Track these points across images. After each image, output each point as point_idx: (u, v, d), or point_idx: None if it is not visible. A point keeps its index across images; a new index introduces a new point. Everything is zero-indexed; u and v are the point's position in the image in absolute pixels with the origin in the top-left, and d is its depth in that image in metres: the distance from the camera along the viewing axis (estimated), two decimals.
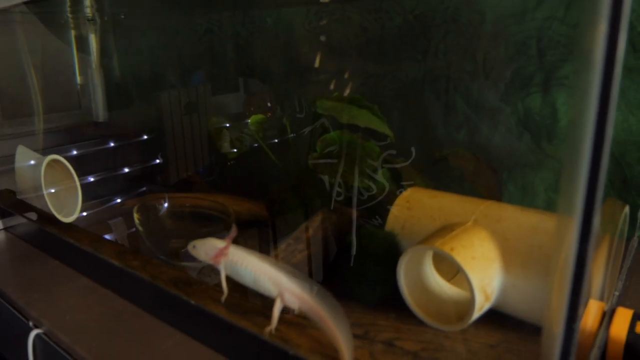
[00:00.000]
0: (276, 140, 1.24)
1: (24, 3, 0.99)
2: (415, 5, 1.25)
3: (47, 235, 1.08)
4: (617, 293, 0.85)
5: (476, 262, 0.65)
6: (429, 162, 1.09)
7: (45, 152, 1.38)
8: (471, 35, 1.19)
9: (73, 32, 1.35)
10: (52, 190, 1.16)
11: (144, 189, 1.51)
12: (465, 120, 1.23)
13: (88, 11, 1.15)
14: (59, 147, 1.38)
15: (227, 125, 1.52)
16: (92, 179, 1.40)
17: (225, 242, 0.73)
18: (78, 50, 1.36)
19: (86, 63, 1.31)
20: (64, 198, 1.16)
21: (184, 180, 1.23)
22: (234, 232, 0.74)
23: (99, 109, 1.31)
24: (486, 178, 0.96)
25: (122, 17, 1.32)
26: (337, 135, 0.98)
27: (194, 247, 0.76)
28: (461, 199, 0.77)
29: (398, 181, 0.94)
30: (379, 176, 0.94)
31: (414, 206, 0.79)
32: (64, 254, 1.05)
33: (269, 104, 1.57)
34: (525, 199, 1.12)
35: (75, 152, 1.40)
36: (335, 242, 0.80)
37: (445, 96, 1.25)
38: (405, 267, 0.71)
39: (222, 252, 0.72)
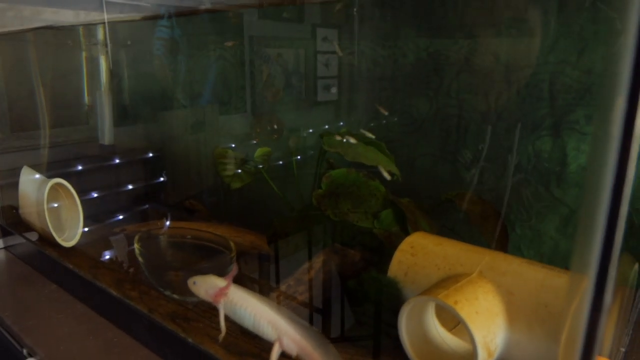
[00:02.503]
0: (281, 162, 1.25)
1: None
2: (429, 43, 1.25)
3: (47, 258, 1.07)
4: (623, 349, 0.83)
5: (480, 316, 0.64)
6: (436, 202, 1.08)
7: (49, 166, 1.38)
8: (483, 75, 1.19)
9: (84, 54, 1.36)
10: (55, 208, 1.15)
11: (147, 206, 1.51)
12: (475, 160, 1.22)
13: (100, 37, 1.16)
14: (63, 162, 1.38)
15: (233, 145, 1.53)
16: (95, 195, 1.40)
17: (225, 281, 0.72)
18: (88, 71, 1.37)
19: (95, 85, 1.32)
20: (66, 221, 1.15)
21: (185, 208, 1.23)
22: (234, 270, 0.73)
23: (105, 132, 1.31)
24: (492, 222, 0.95)
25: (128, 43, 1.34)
26: (342, 173, 0.97)
27: (194, 283, 0.75)
28: (467, 247, 0.76)
29: (402, 222, 0.93)
30: (383, 217, 0.93)
31: (418, 252, 0.77)
32: (62, 278, 1.04)
33: (275, 127, 1.57)
34: (532, 243, 1.11)
35: (80, 168, 1.40)
36: (337, 286, 0.78)
37: (455, 135, 1.25)
38: (406, 316, 0.69)
39: (222, 292, 0.71)
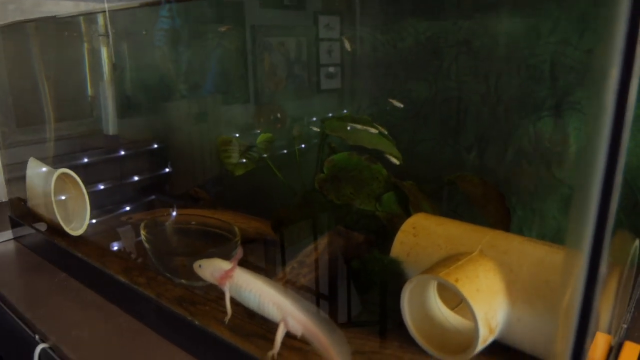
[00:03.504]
0: (285, 151, 1.26)
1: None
2: (427, 27, 1.25)
3: (56, 247, 1.09)
4: (625, 325, 0.84)
5: (481, 294, 0.65)
6: (438, 185, 1.08)
7: (55, 159, 1.40)
8: (483, 57, 1.19)
9: (86, 45, 1.37)
10: (62, 199, 1.17)
11: (153, 197, 1.52)
12: (476, 142, 1.23)
13: (101, 28, 1.17)
14: (69, 155, 1.40)
15: (236, 135, 1.53)
16: (102, 187, 1.42)
17: (231, 263, 0.73)
18: (90, 63, 1.38)
19: (98, 76, 1.33)
20: (73, 210, 1.17)
21: (190, 196, 1.24)
22: (239, 253, 0.74)
23: (109, 123, 1.33)
24: (494, 203, 0.96)
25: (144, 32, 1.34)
26: (344, 157, 0.98)
27: (200, 266, 0.76)
28: (468, 227, 0.77)
29: (405, 205, 0.94)
30: (385, 200, 0.94)
31: (420, 233, 0.78)
32: (71, 267, 1.05)
33: (279, 116, 1.57)
34: (534, 224, 1.11)
35: (85, 160, 1.41)
36: (341, 266, 0.80)
37: (456, 117, 1.25)
38: (409, 295, 0.71)
39: (227, 274, 0.72)
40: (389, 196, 0.93)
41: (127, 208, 1.43)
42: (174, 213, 1.05)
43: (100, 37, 1.27)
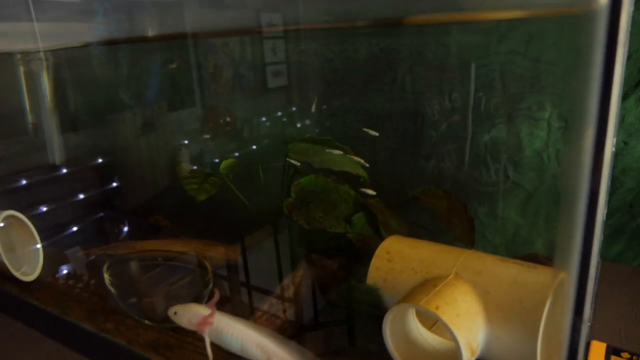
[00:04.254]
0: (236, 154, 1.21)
1: None
2: (380, 39, 1.26)
3: (6, 295, 1.01)
4: (589, 324, 0.88)
5: (461, 319, 0.66)
6: (401, 198, 1.10)
7: None
8: (436, 67, 1.22)
9: (22, 69, 1.28)
10: (8, 242, 1.09)
11: (101, 214, 1.46)
12: (434, 151, 1.25)
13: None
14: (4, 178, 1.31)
15: (186, 142, 1.50)
16: (44, 209, 1.34)
17: (208, 309, 0.71)
18: (28, 88, 1.29)
19: (38, 103, 1.25)
20: (23, 253, 1.09)
21: (151, 225, 1.19)
22: (216, 297, 0.72)
23: (55, 152, 1.25)
24: (458, 215, 0.98)
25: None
26: (311, 180, 0.97)
27: (175, 313, 0.73)
28: (440, 249, 0.78)
29: (374, 224, 0.94)
30: (355, 221, 0.94)
31: (395, 257, 0.79)
32: (27, 315, 0.99)
33: (228, 119, 1.54)
34: (497, 231, 1.15)
35: (24, 182, 1.33)
36: (318, 298, 0.79)
37: (412, 127, 1.27)
38: (390, 323, 0.71)
39: (206, 321, 0.70)
40: (359, 217, 0.94)
41: (79, 237, 1.36)
42: (135, 247, 1.01)
43: (38, 61, 1.19)
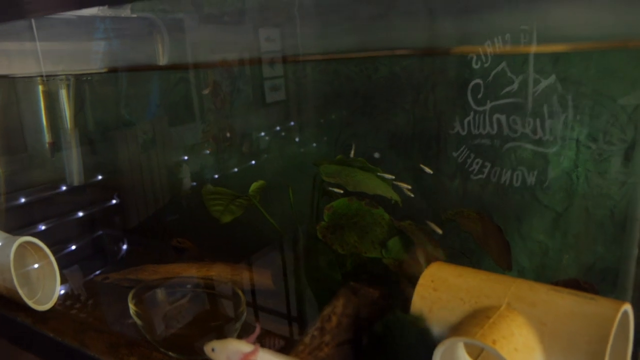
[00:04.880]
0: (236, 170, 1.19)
1: None
2: (401, 57, 1.25)
3: (20, 326, 0.97)
4: None
5: (519, 353, 0.64)
6: (433, 220, 1.08)
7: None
8: (460, 86, 1.20)
9: (41, 88, 1.26)
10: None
11: (100, 232, 1.43)
12: (458, 170, 1.24)
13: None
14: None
15: (186, 158, 1.48)
16: (43, 228, 1.31)
17: (249, 344, 0.68)
18: (46, 106, 1.27)
19: (58, 123, 1.22)
20: (38, 280, 1.06)
21: (174, 247, 1.16)
22: (257, 331, 0.69)
23: (74, 173, 1.22)
24: (494, 238, 0.96)
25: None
26: (344, 203, 0.95)
27: (212, 350, 0.70)
28: (488, 277, 0.76)
29: (411, 249, 0.92)
30: (391, 245, 0.92)
31: (440, 286, 0.77)
32: (41, 347, 0.94)
33: (228, 134, 1.53)
34: (522, 248, 1.14)
35: (23, 200, 1.30)
36: (362, 330, 0.77)
37: (436, 146, 1.25)
38: (441, 356, 0.69)
39: (248, 359, 0.67)
40: (395, 242, 0.91)
41: (73, 248, 1.33)
42: (161, 273, 0.98)
43: (58, 80, 1.16)
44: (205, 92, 1.34)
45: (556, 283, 0.91)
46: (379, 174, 0.95)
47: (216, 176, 1.53)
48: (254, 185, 1.01)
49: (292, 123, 1.48)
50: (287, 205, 1.05)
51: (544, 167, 1.14)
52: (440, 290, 0.76)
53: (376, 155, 1.04)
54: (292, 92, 1.42)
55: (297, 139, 1.37)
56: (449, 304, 0.75)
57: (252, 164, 1.48)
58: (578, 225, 1.14)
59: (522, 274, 1.17)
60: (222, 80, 1.52)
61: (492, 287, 0.73)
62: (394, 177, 0.95)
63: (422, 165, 1.00)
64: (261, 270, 1.03)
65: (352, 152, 0.95)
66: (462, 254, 1.02)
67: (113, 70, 1.35)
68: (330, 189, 0.92)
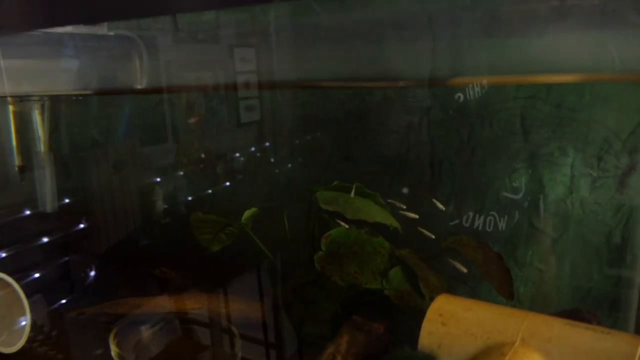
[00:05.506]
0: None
1: None
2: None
3: None
4: None
5: None
6: (431, 249, 1.05)
7: None
8: (455, 111, 1.19)
9: (10, 108, 1.19)
10: None
11: (67, 258, 1.36)
12: (452, 195, 1.22)
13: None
14: None
15: (158, 180, 1.43)
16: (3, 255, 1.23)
17: None
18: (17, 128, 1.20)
19: (30, 145, 1.15)
20: (2, 318, 0.97)
21: (157, 277, 1.09)
22: None
23: (47, 198, 1.14)
24: (495, 266, 0.94)
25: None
26: (342, 231, 0.91)
27: None
28: (499, 311, 0.73)
29: (412, 279, 0.89)
30: (392, 276, 0.88)
31: (449, 320, 0.73)
32: None
33: (203, 155, 1.50)
34: (534, 283, 1.12)
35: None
36: None
37: (430, 171, 1.24)
38: None
39: None
40: (396, 272, 0.88)
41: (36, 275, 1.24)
42: (144, 305, 0.91)
43: (33, 101, 1.10)
44: (192, 121, 1.30)
45: (559, 314, 0.89)
46: (389, 200, 0.92)
47: (190, 198, 1.48)
48: (247, 213, 0.96)
49: (279, 146, 1.44)
50: (279, 232, 1.01)
51: (540, 191, 1.13)
52: (450, 325, 0.73)
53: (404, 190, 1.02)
54: (282, 115, 1.39)
55: (288, 164, 1.33)
56: (460, 340, 0.71)
57: (237, 187, 1.44)
58: (573, 251, 1.13)
59: (518, 301, 1.15)
60: (205, 101, 1.48)
61: (505, 321, 0.70)
62: (405, 206, 0.92)
63: (434, 200, 0.98)
64: (254, 303, 0.98)
65: (353, 192, 0.92)
66: (464, 284, 0.99)
67: (88, 91, 1.29)
68: (337, 220, 0.88)
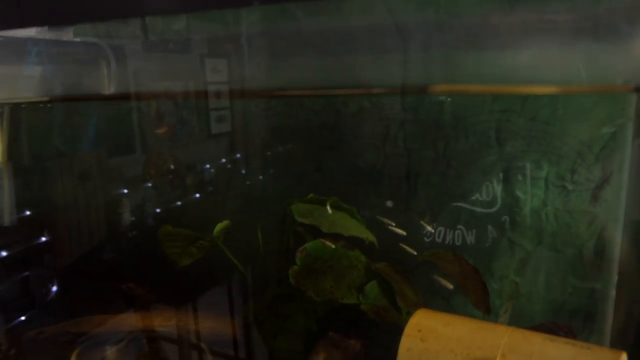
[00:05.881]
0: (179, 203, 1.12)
1: None
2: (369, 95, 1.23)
3: None
4: None
5: None
6: (408, 262, 1.03)
7: None
8: (430, 123, 1.19)
9: None
10: None
11: (27, 273, 1.29)
12: (428, 208, 1.21)
13: None
14: None
15: (125, 191, 1.38)
16: None
17: None
18: None
19: None
20: None
21: (124, 293, 1.04)
22: None
23: (5, 210, 1.08)
24: (471, 280, 0.93)
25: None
26: (318, 245, 0.88)
27: None
28: (478, 326, 0.71)
29: (389, 293, 0.86)
30: (368, 290, 0.86)
31: (428, 336, 0.71)
32: None
33: (172, 166, 1.46)
34: (492, 285, 1.11)
35: None
36: None
37: (405, 183, 1.22)
38: None
39: None
40: (372, 286, 0.86)
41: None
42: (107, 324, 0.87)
43: None
44: (161, 131, 1.26)
45: (535, 327, 0.89)
46: (378, 217, 0.90)
47: (158, 210, 1.44)
48: (219, 226, 0.92)
49: (251, 157, 1.41)
50: (251, 246, 0.97)
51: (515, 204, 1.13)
52: (428, 340, 0.71)
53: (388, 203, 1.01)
54: (255, 125, 1.36)
55: (260, 176, 1.30)
56: (439, 356, 0.69)
57: (207, 200, 1.40)
58: (548, 264, 1.13)
59: (494, 314, 1.14)
60: (175, 111, 1.45)
61: (484, 337, 0.69)
62: (393, 223, 0.90)
63: (422, 222, 0.97)
64: (225, 319, 0.94)
65: (328, 207, 0.90)
66: (441, 299, 0.97)
67: (51, 98, 1.24)
68: (321, 239, 0.85)
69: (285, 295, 0.87)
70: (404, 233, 0.90)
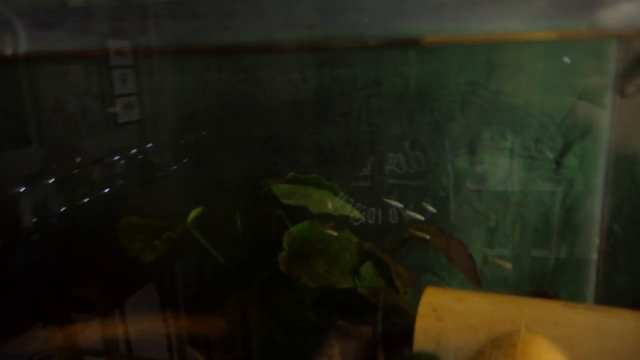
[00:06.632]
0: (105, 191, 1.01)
1: None
2: (332, 68, 1.16)
3: None
4: None
5: None
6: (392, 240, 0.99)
7: None
8: (394, 98, 1.15)
9: None
10: None
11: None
12: (395, 184, 1.18)
13: None
14: None
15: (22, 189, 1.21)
16: None
17: None
18: None
19: None
20: None
21: (77, 299, 0.89)
22: None
23: None
24: (460, 255, 0.91)
25: None
26: (305, 228, 0.81)
27: None
28: (494, 299, 0.69)
29: (386, 274, 0.82)
30: (364, 273, 0.80)
31: (444, 315, 0.67)
32: None
33: (78, 160, 1.31)
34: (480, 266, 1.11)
35: None
36: None
37: (370, 161, 1.18)
38: None
39: None
40: (367, 268, 0.80)
41: None
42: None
43: None
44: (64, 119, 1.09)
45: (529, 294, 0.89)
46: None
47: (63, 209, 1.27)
48: (193, 214, 0.81)
49: (202, 136, 1.29)
50: (224, 234, 0.87)
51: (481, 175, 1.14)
52: (446, 319, 0.67)
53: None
54: (204, 101, 1.24)
55: (214, 157, 1.19)
56: (460, 335, 0.65)
57: (152, 184, 1.25)
58: (515, 233, 1.15)
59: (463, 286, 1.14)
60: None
61: (504, 310, 0.66)
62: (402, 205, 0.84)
63: (424, 204, 0.92)
64: (195, 316, 0.83)
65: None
66: (434, 275, 0.95)
67: None
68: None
69: (274, 283, 0.79)
70: (422, 218, 0.86)
